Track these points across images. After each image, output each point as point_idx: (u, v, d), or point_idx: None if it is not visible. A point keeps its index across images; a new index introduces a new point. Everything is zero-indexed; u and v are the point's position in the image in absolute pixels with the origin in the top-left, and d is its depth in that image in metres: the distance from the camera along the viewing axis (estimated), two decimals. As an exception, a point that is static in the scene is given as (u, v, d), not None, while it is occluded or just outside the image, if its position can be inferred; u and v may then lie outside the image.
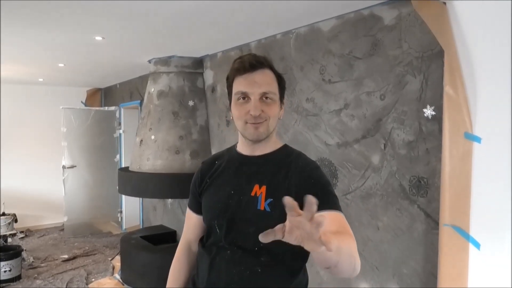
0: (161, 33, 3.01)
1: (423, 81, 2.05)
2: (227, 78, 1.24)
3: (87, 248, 5.28)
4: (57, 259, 4.83)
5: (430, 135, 2.03)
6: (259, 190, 1.18)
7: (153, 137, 3.83)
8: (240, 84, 1.18)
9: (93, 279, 4.19)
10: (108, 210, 6.08)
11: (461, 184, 1.80)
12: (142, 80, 5.12)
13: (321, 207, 0.77)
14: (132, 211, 5.85)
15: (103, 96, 6.86)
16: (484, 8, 1.76)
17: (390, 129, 2.22)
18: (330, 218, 1.02)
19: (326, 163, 2.60)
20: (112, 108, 6.09)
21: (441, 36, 1.85)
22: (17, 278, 4.11)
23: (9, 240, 4.83)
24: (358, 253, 1.01)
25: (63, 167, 5.75)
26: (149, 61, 4.06)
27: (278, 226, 0.75)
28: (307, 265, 1.26)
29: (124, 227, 5.99)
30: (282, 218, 0.76)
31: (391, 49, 2.20)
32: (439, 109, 1.95)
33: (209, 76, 3.92)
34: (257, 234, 0.75)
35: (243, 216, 1.18)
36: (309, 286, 1.27)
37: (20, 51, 3.69)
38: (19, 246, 4.35)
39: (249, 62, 1.17)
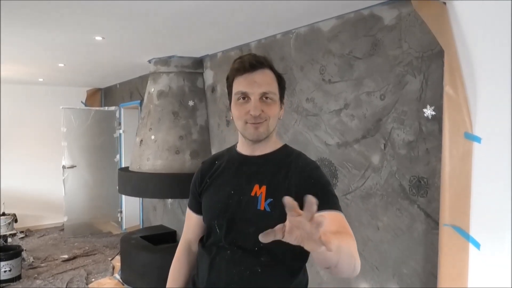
0: (161, 33, 3.01)
1: (423, 81, 2.05)
2: (227, 78, 1.24)
3: (87, 248, 5.28)
4: (57, 259, 4.83)
5: (430, 135, 2.03)
6: (259, 190, 1.18)
7: (153, 137, 3.83)
8: (240, 84, 1.18)
9: (93, 279, 4.19)
10: (108, 210, 6.08)
11: (461, 184, 1.80)
12: (142, 80, 5.12)
13: (321, 207, 0.77)
14: (132, 211, 5.85)
15: (103, 96, 6.86)
16: (484, 8, 1.76)
17: (390, 129, 2.22)
18: (330, 218, 1.02)
19: (326, 163, 2.60)
20: (112, 108, 6.09)
21: (441, 36, 1.85)
22: (17, 278, 4.11)
23: (9, 240, 4.83)
24: (358, 253, 1.01)
25: (63, 167, 5.75)
26: (149, 61, 4.06)
27: (278, 226, 0.75)
28: (307, 265, 1.26)
29: (124, 227, 5.99)
30: (282, 218, 0.76)
31: (391, 49, 2.20)
32: (439, 109, 1.96)
33: (209, 76, 3.92)
34: (257, 234, 0.75)
35: (243, 216, 1.18)
36: (309, 286, 1.27)
37: (20, 51, 3.69)
38: (19, 246, 4.35)
39: (249, 62, 1.17)
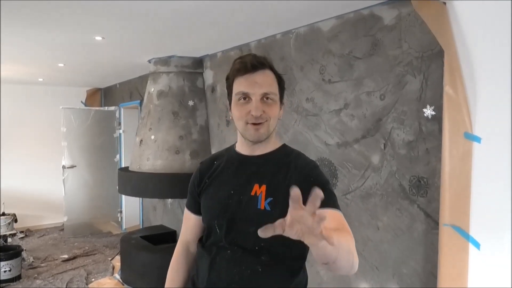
0: (161, 33, 3.01)
1: (423, 81, 2.05)
2: (227, 78, 1.24)
3: (87, 248, 5.28)
4: (57, 259, 4.83)
5: (430, 135, 2.03)
6: (259, 190, 1.18)
7: (153, 137, 3.83)
8: (241, 85, 1.18)
9: (93, 279, 4.19)
10: (108, 210, 6.08)
11: (461, 184, 1.80)
12: (142, 80, 5.12)
13: (320, 205, 0.77)
14: (132, 211, 5.85)
15: (103, 96, 6.86)
16: (484, 8, 1.76)
17: (390, 129, 2.22)
18: (329, 216, 1.02)
19: (326, 163, 2.60)
20: (112, 108, 6.09)
21: (441, 36, 1.85)
22: (17, 278, 4.11)
23: (9, 240, 4.83)
24: (358, 253, 1.01)
25: (63, 167, 5.75)
26: (149, 61, 4.06)
27: (278, 221, 0.75)
28: (307, 265, 1.26)
29: (124, 227, 5.99)
30: (282, 217, 0.76)
31: (391, 49, 2.20)
32: (439, 109, 1.96)
33: (209, 76, 3.92)
34: (257, 234, 0.75)
35: (243, 216, 1.18)
36: (309, 286, 1.27)
37: (20, 51, 3.69)
38: (19, 246, 4.35)
39: (251, 62, 1.17)
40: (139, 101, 5.36)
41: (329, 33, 2.57)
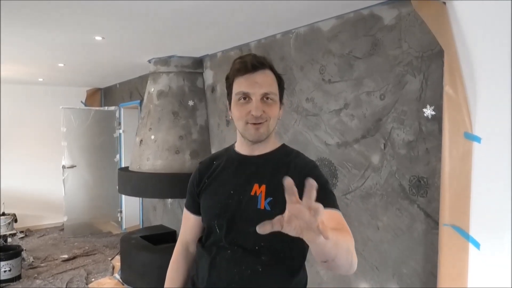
0: (161, 33, 3.01)
1: (423, 81, 2.05)
2: (227, 78, 1.24)
3: (87, 248, 5.28)
4: (57, 259, 4.83)
5: (430, 135, 2.03)
6: (258, 189, 1.18)
7: (153, 137, 3.83)
8: (241, 85, 1.18)
9: (93, 279, 4.19)
10: (108, 210, 6.08)
11: (461, 184, 1.80)
12: (142, 80, 5.12)
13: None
14: (132, 211, 5.85)
15: (103, 96, 6.86)
16: (484, 8, 1.76)
17: (390, 129, 2.22)
18: (328, 216, 1.02)
19: (326, 163, 2.60)
20: (112, 108, 6.09)
21: (441, 36, 1.85)
22: (17, 278, 4.11)
23: (9, 240, 4.82)
24: (358, 253, 1.01)
25: (63, 167, 5.75)
26: (149, 61, 4.06)
27: (276, 218, 0.75)
28: (307, 265, 1.26)
29: (124, 227, 5.99)
30: (282, 216, 0.76)
31: (391, 49, 2.20)
32: (439, 109, 1.96)
33: (209, 76, 3.92)
34: (257, 233, 0.75)
35: (243, 216, 1.18)
36: (309, 286, 1.27)
37: (20, 51, 3.69)
38: (19, 246, 4.35)
39: (251, 62, 1.17)
40: (139, 101, 5.36)
41: (329, 33, 2.57)
